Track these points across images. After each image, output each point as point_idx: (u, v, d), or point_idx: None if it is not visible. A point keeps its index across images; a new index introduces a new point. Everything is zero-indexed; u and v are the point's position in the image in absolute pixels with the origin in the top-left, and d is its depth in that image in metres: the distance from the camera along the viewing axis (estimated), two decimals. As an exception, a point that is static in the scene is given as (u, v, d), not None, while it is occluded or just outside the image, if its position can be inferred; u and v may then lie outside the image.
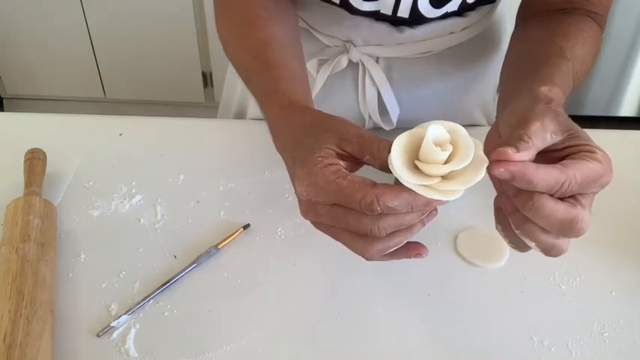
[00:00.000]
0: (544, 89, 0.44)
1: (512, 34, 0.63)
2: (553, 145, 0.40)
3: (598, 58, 0.58)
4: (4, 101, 2.25)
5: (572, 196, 0.39)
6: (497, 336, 0.52)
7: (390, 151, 0.39)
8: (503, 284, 0.56)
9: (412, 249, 0.43)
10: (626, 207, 0.65)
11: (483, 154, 0.38)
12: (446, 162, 0.37)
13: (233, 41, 0.59)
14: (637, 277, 0.57)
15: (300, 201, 0.42)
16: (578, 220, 0.38)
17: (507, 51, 0.61)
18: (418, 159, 0.38)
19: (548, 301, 0.55)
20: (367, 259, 0.41)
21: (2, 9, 1.96)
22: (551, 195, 0.38)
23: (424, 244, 0.59)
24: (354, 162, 0.42)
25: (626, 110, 2.15)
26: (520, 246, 0.42)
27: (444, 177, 0.38)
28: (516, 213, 0.40)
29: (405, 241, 0.41)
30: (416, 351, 0.51)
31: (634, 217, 0.64)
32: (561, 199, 0.38)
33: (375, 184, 0.38)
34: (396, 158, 0.38)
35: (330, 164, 0.40)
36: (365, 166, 0.42)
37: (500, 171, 0.37)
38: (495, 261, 0.58)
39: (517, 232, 0.41)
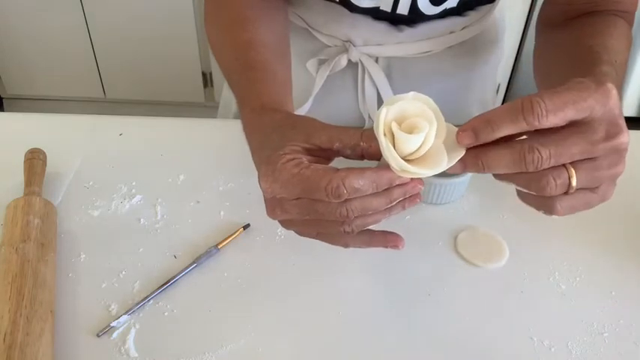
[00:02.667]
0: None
1: (536, 44, 0.61)
2: None
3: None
4: (4, 101, 2.26)
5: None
6: (497, 336, 0.52)
7: (362, 138, 0.39)
8: (503, 284, 0.56)
9: (389, 240, 0.42)
10: (626, 207, 0.65)
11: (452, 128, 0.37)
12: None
13: (218, 41, 0.59)
14: (637, 277, 0.57)
15: (265, 201, 0.42)
16: (526, 150, 0.35)
17: (535, 61, 0.59)
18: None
19: (548, 301, 0.55)
20: (345, 244, 0.42)
21: (2, 9, 1.96)
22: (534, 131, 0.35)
23: (424, 243, 0.60)
24: (324, 156, 0.42)
25: (626, 110, 2.15)
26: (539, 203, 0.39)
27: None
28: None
29: (382, 219, 0.40)
30: (416, 351, 0.50)
31: (634, 217, 0.64)
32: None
33: (337, 169, 0.38)
34: (382, 136, 0.37)
35: (293, 158, 0.39)
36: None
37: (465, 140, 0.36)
38: (495, 261, 0.58)
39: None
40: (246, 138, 0.48)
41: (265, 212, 0.42)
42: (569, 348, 0.51)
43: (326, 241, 0.43)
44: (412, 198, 0.39)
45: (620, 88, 0.47)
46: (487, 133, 0.35)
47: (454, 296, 0.55)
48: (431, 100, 0.38)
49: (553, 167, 0.36)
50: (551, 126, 0.35)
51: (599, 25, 0.54)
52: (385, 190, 0.38)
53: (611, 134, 0.36)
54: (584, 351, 0.50)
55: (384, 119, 0.37)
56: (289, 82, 0.55)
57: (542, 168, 0.36)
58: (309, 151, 0.41)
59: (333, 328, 0.52)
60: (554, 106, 0.34)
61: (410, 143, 0.36)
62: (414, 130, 0.36)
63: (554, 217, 0.39)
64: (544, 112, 0.34)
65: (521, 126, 0.35)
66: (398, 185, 0.38)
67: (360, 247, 0.42)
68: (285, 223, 0.43)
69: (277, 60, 0.55)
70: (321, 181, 0.37)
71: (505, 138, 0.36)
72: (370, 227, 0.42)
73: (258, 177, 0.42)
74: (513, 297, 0.55)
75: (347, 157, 0.41)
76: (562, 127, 0.36)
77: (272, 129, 0.44)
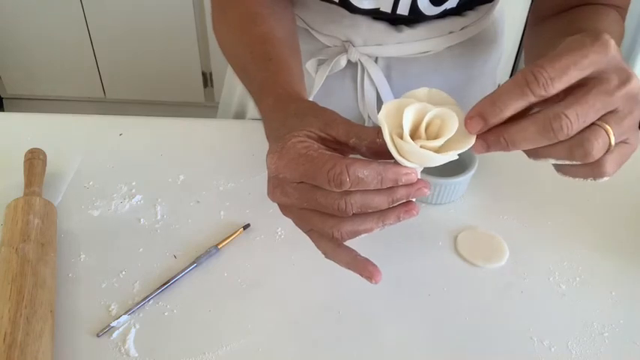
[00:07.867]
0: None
1: (526, 35, 0.62)
2: None
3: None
4: (4, 101, 2.26)
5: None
6: (497, 336, 0.52)
7: (378, 134, 0.38)
8: (503, 284, 0.56)
9: (368, 269, 0.41)
10: (626, 207, 0.65)
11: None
12: (432, 133, 0.36)
13: (231, 37, 0.59)
14: (637, 277, 0.57)
15: (268, 180, 0.41)
16: (551, 118, 0.34)
17: (525, 45, 0.59)
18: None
19: (548, 301, 0.55)
20: (329, 252, 0.41)
21: (2, 9, 1.96)
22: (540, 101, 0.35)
23: (424, 243, 0.60)
24: (339, 149, 0.41)
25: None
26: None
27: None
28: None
29: (376, 229, 0.39)
30: (416, 351, 0.51)
31: (634, 217, 0.64)
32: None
33: (344, 157, 0.37)
34: (386, 130, 0.36)
35: (304, 141, 0.39)
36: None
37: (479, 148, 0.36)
38: (495, 261, 0.58)
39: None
40: (263, 123, 0.47)
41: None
42: (569, 348, 0.51)
43: (314, 242, 0.42)
44: (409, 209, 0.38)
45: None
46: (496, 115, 0.35)
47: (454, 296, 0.55)
48: (432, 92, 0.37)
49: (587, 129, 0.35)
50: (559, 91, 0.34)
51: (592, 13, 0.54)
52: (389, 187, 0.37)
53: (623, 80, 0.35)
54: (584, 351, 0.50)
55: (394, 146, 0.36)
56: (303, 78, 0.54)
57: (573, 133, 0.34)
58: (324, 141, 0.40)
59: (333, 328, 0.52)
60: (556, 71, 0.34)
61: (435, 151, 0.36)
62: (439, 135, 0.36)
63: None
64: (548, 81, 0.34)
65: (528, 99, 0.34)
66: (403, 185, 0.37)
67: (339, 263, 0.42)
68: (284, 209, 0.42)
69: (291, 55, 0.55)
70: (325, 164, 0.36)
71: (520, 114, 0.35)
72: (358, 251, 0.41)
73: (267, 154, 0.41)
74: (513, 297, 0.55)
75: (362, 154, 0.40)
76: (573, 89, 0.35)
77: (294, 113, 0.44)
